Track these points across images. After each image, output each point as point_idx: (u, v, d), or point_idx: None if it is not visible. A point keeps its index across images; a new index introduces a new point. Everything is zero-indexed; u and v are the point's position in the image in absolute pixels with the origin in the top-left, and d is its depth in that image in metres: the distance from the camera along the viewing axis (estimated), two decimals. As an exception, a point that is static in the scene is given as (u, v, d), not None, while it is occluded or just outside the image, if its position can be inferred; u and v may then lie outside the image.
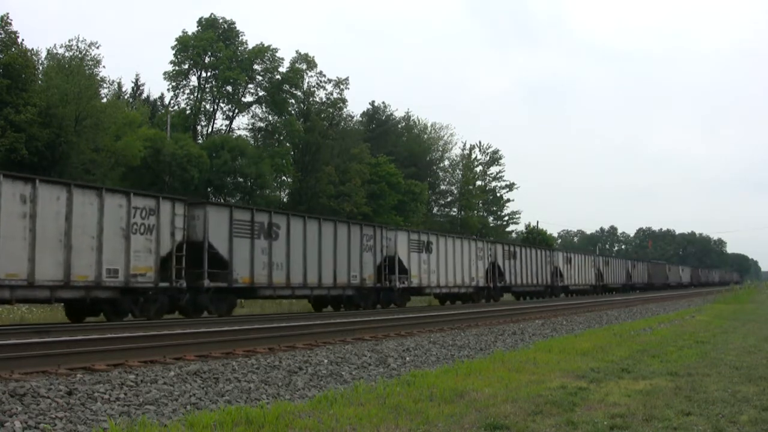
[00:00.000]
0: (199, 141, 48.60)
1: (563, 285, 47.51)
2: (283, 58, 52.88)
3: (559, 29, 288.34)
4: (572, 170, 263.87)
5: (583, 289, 51.99)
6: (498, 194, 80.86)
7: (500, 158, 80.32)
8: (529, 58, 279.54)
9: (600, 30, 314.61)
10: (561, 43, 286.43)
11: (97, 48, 36.60)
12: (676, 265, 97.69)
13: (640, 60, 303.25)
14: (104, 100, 39.30)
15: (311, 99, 55.10)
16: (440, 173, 76.24)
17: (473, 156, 78.75)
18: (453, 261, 32.13)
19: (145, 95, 56.30)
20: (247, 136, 53.20)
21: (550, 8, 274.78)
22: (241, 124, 60.46)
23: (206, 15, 51.91)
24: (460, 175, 76.48)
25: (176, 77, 50.34)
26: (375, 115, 69.84)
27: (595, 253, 77.43)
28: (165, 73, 50.33)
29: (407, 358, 10.98)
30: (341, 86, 55.51)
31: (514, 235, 79.67)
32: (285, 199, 53.29)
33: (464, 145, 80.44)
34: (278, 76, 52.80)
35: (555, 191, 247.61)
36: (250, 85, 52.66)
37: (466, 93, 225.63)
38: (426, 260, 30.03)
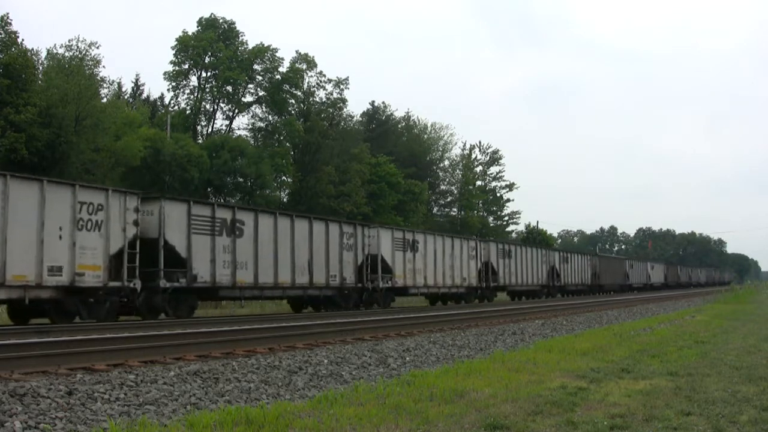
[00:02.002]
0: (199, 141, 48.60)
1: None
2: (283, 58, 52.95)
3: (563, 29, 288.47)
4: (573, 170, 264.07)
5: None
6: (498, 194, 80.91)
7: (500, 158, 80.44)
8: (533, 58, 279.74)
9: (604, 30, 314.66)
10: (565, 43, 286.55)
11: (97, 48, 36.60)
12: (642, 261, 78.92)
13: (644, 60, 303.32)
14: (104, 100, 39.31)
15: (311, 99, 55.11)
16: (440, 173, 76.26)
17: (473, 156, 78.86)
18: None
19: (145, 95, 56.30)
20: (247, 136, 53.25)
21: (554, 8, 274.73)
22: (241, 124, 60.52)
23: (206, 15, 51.96)
24: (460, 175, 76.49)
25: (176, 77, 50.33)
26: (375, 115, 69.85)
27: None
28: (165, 73, 50.37)
29: (407, 358, 10.98)
30: (341, 86, 55.57)
31: (514, 235, 79.71)
32: (285, 199, 53.30)
33: (464, 145, 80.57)
34: (278, 76, 52.80)
35: (555, 191, 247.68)
36: (250, 85, 52.69)
37: (468, 93, 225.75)
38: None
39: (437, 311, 23.92)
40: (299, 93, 54.37)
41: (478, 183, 78.85)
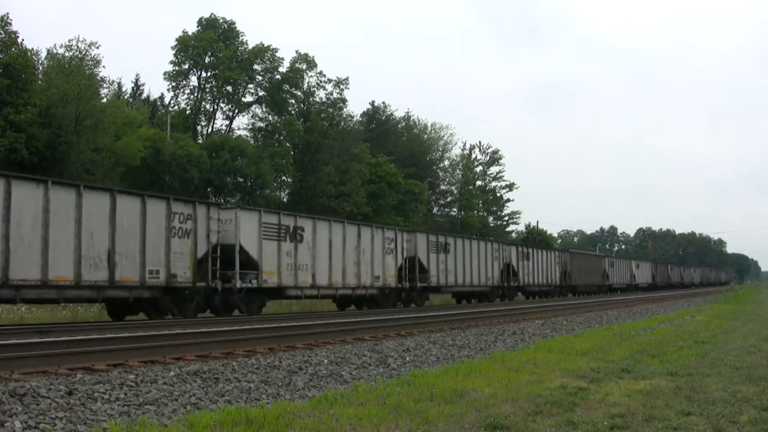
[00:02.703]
0: (199, 141, 48.62)
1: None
2: (283, 58, 52.99)
3: (563, 29, 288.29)
4: (573, 170, 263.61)
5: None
6: (498, 194, 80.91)
7: (500, 158, 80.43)
8: (533, 58, 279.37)
9: (604, 30, 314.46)
10: (566, 43, 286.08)
11: (97, 48, 36.65)
12: (626, 259, 69.37)
13: (644, 60, 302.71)
14: (104, 100, 39.34)
15: (311, 99, 55.13)
16: (440, 173, 76.28)
17: (473, 156, 78.87)
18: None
19: (145, 95, 56.34)
20: (247, 136, 53.28)
21: (554, 8, 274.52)
22: (241, 124, 60.57)
23: (206, 15, 51.98)
24: (460, 175, 76.51)
25: (176, 77, 50.37)
26: (375, 115, 69.86)
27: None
28: (165, 73, 50.41)
29: (407, 358, 10.98)
30: (341, 86, 55.60)
31: (514, 235, 79.70)
32: (285, 199, 53.31)
33: (464, 145, 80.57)
34: (278, 76, 52.82)
35: (555, 191, 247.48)
36: (250, 85, 52.73)
37: (468, 93, 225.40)
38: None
39: (437, 311, 23.98)
40: (299, 93, 54.40)
41: (478, 183, 78.87)
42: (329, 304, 28.01)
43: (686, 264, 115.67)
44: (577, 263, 50.37)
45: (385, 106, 71.41)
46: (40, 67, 36.35)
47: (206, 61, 49.95)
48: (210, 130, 52.89)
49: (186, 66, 50.26)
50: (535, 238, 69.88)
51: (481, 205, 79.21)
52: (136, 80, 56.26)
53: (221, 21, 51.19)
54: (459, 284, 32.64)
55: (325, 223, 24.64)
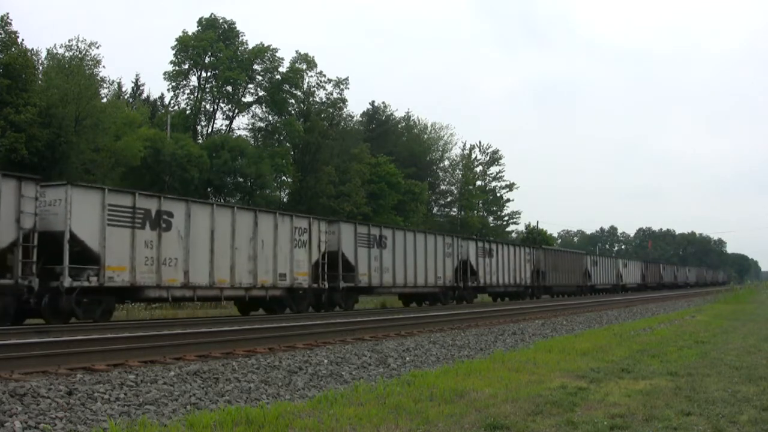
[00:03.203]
0: (199, 141, 48.59)
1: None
2: (283, 58, 52.92)
3: (565, 29, 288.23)
4: (573, 170, 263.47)
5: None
6: (498, 194, 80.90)
7: (500, 158, 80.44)
8: (536, 59, 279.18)
9: (606, 30, 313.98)
10: (568, 43, 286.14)
11: (97, 48, 36.53)
12: (611, 257, 62.63)
13: (645, 60, 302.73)
14: (104, 100, 39.26)
15: (311, 99, 55.10)
16: (440, 173, 76.28)
17: (473, 156, 78.87)
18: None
19: (145, 95, 56.24)
20: (247, 136, 53.22)
21: (556, 8, 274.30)
22: (241, 124, 60.50)
23: (206, 15, 51.92)
24: (460, 175, 76.50)
25: (176, 77, 50.30)
26: (375, 115, 69.86)
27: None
28: (165, 73, 50.34)
29: (407, 358, 10.98)
30: (341, 86, 55.57)
31: (514, 235, 79.70)
32: (285, 199, 53.31)
33: (464, 145, 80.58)
34: (278, 76, 52.78)
35: (555, 191, 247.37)
36: (250, 85, 52.66)
37: (469, 93, 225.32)
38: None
39: (437, 311, 24.01)
40: (299, 93, 54.36)
41: (478, 183, 78.86)
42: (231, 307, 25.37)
43: (684, 264, 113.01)
44: (552, 261, 46.29)
45: (385, 106, 71.49)
46: (40, 67, 36.31)
47: (206, 61, 49.89)
48: (210, 130, 52.89)
49: (186, 66, 50.20)
50: (535, 238, 69.82)
51: (481, 205, 79.20)
52: (136, 80, 56.26)
53: (221, 21, 51.14)
54: (398, 284, 28.92)
55: (204, 208, 20.81)
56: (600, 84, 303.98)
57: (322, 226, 25.36)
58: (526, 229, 77.23)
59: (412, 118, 75.50)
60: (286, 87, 53.20)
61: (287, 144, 54.08)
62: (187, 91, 51.12)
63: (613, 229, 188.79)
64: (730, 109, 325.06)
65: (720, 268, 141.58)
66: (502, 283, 38.49)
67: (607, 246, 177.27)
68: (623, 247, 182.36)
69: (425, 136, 75.48)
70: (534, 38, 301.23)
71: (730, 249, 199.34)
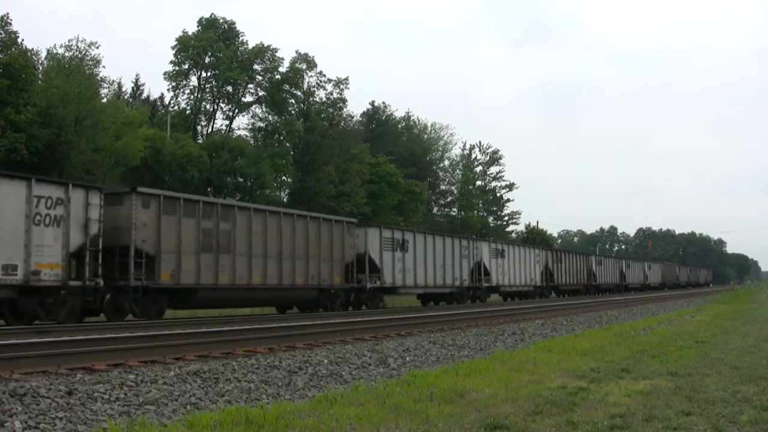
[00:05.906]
0: (199, 141, 48.56)
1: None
2: (283, 58, 52.86)
3: (571, 29, 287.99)
4: (574, 170, 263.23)
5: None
6: (498, 194, 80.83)
7: (500, 158, 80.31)
8: (540, 59, 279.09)
9: (611, 30, 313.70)
10: (573, 43, 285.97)
11: (97, 48, 36.48)
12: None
13: (648, 60, 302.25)
14: (104, 100, 39.21)
15: (311, 99, 55.07)
16: (440, 173, 76.21)
17: (473, 156, 78.80)
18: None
19: (145, 95, 56.22)
20: (247, 136, 53.18)
21: (561, 8, 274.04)
22: (241, 124, 60.44)
23: (206, 15, 51.92)
24: (460, 175, 76.45)
25: (176, 77, 50.27)
26: (375, 115, 69.82)
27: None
28: (165, 73, 50.29)
29: (407, 358, 10.98)
30: (341, 86, 55.53)
31: (514, 235, 79.65)
32: (285, 199, 53.30)
33: (464, 145, 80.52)
34: (278, 76, 52.75)
35: (555, 191, 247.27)
36: (250, 85, 52.61)
37: (472, 93, 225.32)
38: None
39: (437, 311, 24.04)
40: (299, 93, 54.32)
41: (478, 183, 78.78)
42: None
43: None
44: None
45: (385, 106, 71.40)
46: (40, 67, 36.26)
47: (206, 61, 49.86)
48: (210, 130, 52.85)
49: (186, 66, 50.16)
50: (535, 238, 69.74)
51: (481, 205, 79.14)
52: (136, 80, 56.24)
53: (221, 21, 51.11)
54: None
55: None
56: (602, 84, 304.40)
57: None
58: (526, 229, 77.17)
59: (412, 118, 75.50)
60: (286, 87, 53.15)
61: (287, 144, 54.04)
62: (187, 91, 51.11)
63: (613, 229, 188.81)
64: (734, 110, 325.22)
65: (723, 268, 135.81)
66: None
67: (607, 246, 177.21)
68: (623, 247, 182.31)
69: (425, 136, 75.42)
70: (539, 38, 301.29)
71: (730, 249, 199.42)
